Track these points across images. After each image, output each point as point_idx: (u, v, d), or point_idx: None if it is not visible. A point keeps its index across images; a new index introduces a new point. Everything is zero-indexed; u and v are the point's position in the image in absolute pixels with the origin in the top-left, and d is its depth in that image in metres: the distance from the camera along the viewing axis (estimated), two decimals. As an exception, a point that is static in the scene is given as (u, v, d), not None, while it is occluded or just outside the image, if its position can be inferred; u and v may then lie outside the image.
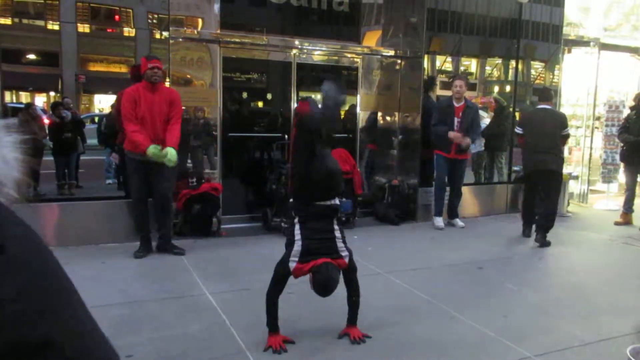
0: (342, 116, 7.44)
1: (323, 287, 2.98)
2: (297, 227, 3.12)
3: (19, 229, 0.56)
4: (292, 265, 3.03)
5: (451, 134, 6.29)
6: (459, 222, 6.71)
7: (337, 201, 3.20)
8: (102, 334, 0.60)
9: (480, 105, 8.13)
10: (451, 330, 3.49)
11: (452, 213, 6.78)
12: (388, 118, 7.60)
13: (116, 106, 5.18)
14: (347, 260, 3.11)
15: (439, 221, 6.58)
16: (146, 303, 3.82)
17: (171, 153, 4.71)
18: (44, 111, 5.87)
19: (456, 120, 6.38)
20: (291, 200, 3.28)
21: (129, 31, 5.92)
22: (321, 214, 3.12)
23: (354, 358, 3.07)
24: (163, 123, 4.82)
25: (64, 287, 0.58)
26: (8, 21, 5.40)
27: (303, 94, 7.32)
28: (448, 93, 7.75)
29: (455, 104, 6.42)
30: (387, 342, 3.27)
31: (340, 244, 3.11)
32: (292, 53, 6.72)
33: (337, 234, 3.13)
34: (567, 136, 6.23)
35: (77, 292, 0.59)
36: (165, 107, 4.82)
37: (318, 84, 7.47)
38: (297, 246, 3.04)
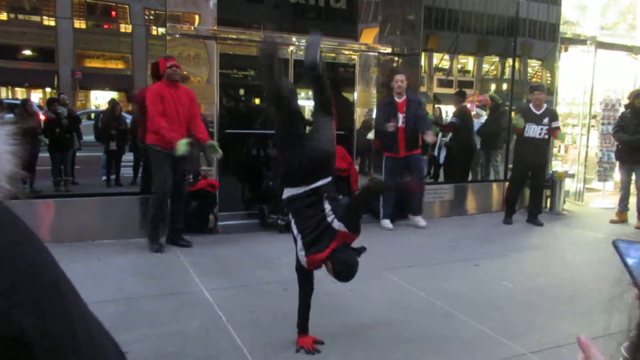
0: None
1: (345, 273, 2.92)
2: (292, 222, 3.07)
3: (8, 220, 0.56)
4: (303, 260, 2.96)
5: (428, 138, 6.19)
6: (421, 220, 6.46)
7: (323, 181, 3.05)
8: (97, 331, 0.60)
9: (477, 104, 8.15)
10: (447, 327, 3.50)
11: (416, 209, 6.50)
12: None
13: (140, 102, 5.27)
14: (344, 229, 2.93)
15: (387, 223, 6.35)
16: (142, 300, 3.82)
17: (215, 146, 5.08)
18: (40, 107, 5.85)
19: (401, 116, 6.21)
20: (283, 197, 3.16)
21: (125, 27, 5.90)
22: (308, 202, 3.01)
23: (350, 355, 3.08)
24: (185, 119, 5.05)
25: (56, 281, 0.57)
26: (4, 17, 5.37)
27: (300, 91, 7.32)
28: (447, 91, 7.77)
29: (398, 100, 6.25)
30: (383, 339, 3.28)
31: (330, 219, 2.95)
32: (289, 50, 6.70)
33: (327, 212, 2.97)
34: None
35: (72, 287, 0.59)
36: (187, 104, 5.06)
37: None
38: (299, 240, 2.98)
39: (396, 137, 6.21)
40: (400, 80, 6.24)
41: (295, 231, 3.03)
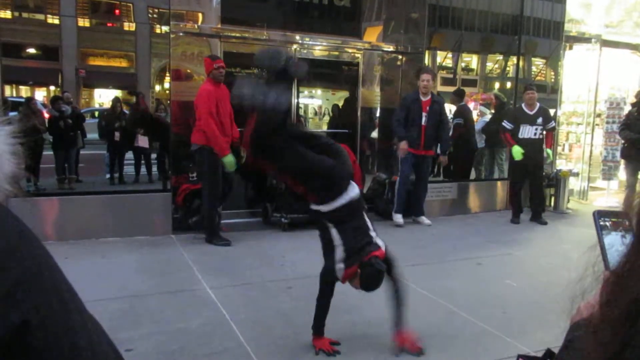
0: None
1: (374, 282, 2.87)
2: (333, 232, 2.92)
3: (8, 223, 0.55)
4: (340, 273, 2.90)
5: (444, 162, 6.51)
6: (425, 219, 6.49)
7: (356, 190, 3.04)
8: (95, 332, 0.60)
9: (481, 102, 8.13)
10: (450, 325, 3.50)
11: (419, 210, 6.56)
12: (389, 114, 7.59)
13: (195, 101, 5.37)
14: (384, 249, 2.99)
15: (399, 218, 6.36)
16: (146, 297, 3.83)
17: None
18: (44, 105, 5.86)
19: (424, 114, 6.23)
20: (317, 208, 3.01)
21: (129, 25, 5.90)
22: (354, 209, 2.98)
23: (354, 353, 3.08)
24: (232, 117, 5.25)
25: (55, 283, 0.57)
26: (8, 15, 5.38)
27: (303, 89, 7.31)
28: (451, 89, 7.75)
29: (422, 98, 6.25)
30: (387, 338, 3.28)
31: (374, 235, 2.99)
32: (292, 48, 6.70)
33: (369, 225, 3.01)
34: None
35: (70, 287, 0.59)
36: (229, 102, 5.16)
37: (319, 79, 7.50)
38: (340, 252, 2.88)
39: (419, 134, 6.25)
40: (426, 79, 6.21)
41: (337, 240, 2.90)
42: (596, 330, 0.54)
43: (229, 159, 5.03)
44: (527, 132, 6.62)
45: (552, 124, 6.83)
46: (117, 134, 6.00)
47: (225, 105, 5.15)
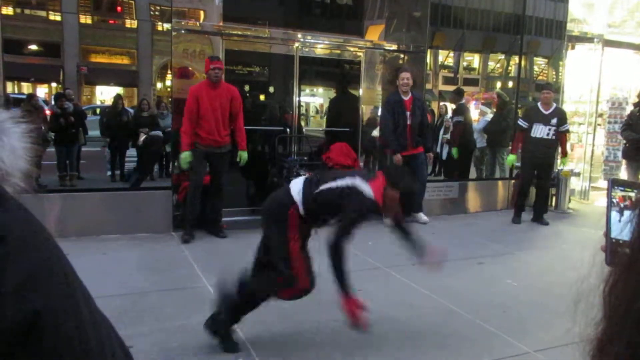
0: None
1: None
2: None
3: (22, 216, 0.57)
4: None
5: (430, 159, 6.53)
6: (422, 216, 6.45)
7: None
8: (103, 324, 0.61)
9: (483, 101, 8.12)
10: (451, 324, 3.50)
11: (417, 207, 6.45)
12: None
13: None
14: None
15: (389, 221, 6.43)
16: (147, 294, 3.83)
17: (243, 157, 5.55)
18: (45, 102, 5.86)
19: (408, 114, 6.21)
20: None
21: (131, 23, 5.90)
22: None
23: (354, 352, 3.08)
24: (223, 117, 5.33)
25: (66, 275, 0.58)
26: (10, 11, 5.38)
27: (305, 88, 7.30)
28: (453, 88, 7.75)
29: (404, 97, 6.21)
30: (387, 336, 3.28)
31: None
32: (294, 46, 6.69)
33: None
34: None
35: (80, 281, 0.60)
36: (226, 102, 5.32)
37: (320, 77, 7.50)
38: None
39: (405, 135, 6.20)
40: (406, 77, 6.17)
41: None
42: (602, 346, 0.45)
43: (183, 155, 5.19)
44: (540, 131, 6.54)
45: (566, 126, 6.73)
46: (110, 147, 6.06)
47: (217, 104, 5.23)
